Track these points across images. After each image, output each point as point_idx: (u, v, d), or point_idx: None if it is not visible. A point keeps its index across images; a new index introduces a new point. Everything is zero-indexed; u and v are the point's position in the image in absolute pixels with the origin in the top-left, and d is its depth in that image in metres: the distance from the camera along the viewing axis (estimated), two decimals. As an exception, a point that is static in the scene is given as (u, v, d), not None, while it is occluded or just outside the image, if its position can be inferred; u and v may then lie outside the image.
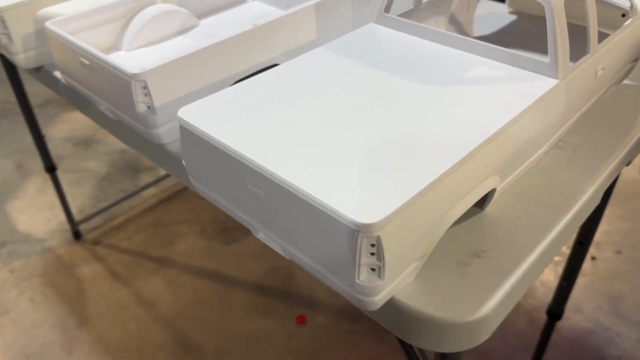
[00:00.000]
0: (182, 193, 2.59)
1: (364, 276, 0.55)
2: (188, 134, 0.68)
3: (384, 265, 0.54)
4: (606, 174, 0.80)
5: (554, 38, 0.72)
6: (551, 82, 0.73)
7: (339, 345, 1.90)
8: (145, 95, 0.82)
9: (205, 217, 2.46)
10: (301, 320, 1.99)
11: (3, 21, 1.06)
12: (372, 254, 0.53)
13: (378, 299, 0.58)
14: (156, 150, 0.90)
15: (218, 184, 0.69)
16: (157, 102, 0.82)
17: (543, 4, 0.73)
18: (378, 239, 0.52)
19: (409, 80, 0.75)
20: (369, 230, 0.51)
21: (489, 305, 0.60)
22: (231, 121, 0.67)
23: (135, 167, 2.76)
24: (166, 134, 0.87)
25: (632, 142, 0.87)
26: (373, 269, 0.55)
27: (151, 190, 2.60)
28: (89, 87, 0.95)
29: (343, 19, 1.06)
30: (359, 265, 0.54)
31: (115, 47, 1.09)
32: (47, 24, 0.96)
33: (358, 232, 0.51)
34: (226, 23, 1.18)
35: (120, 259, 2.25)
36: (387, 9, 0.90)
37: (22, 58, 1.11)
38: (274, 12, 1.22)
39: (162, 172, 2.72)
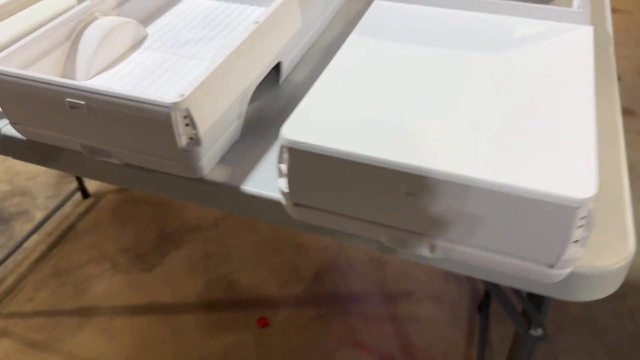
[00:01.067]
0: (72, 231, 2.28)
1: (570, 251, 0.55)
2: (304, 156, 0.60)
3: (589, 234, 0.54)
4: (620, 116, 0.89)
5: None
6: (589, 29, 0.78)
7: (311, 334, 1.88)
8: (187, 125, 0.69)
9: (110, 249, 2.20)
10: (264, 322, 1.92)
11: None
12: (580, 226, 0.53)
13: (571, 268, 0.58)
14: (189, 185, 0.77)
15: (348, 205, 0.62)
16: (202, 129, 0.70)
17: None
18: (590, 210, 0.52)
19: (469, 52, 0.75)
20: (587, 204, 0.51)
21: (631, 243, 0.65)
22: (351, 130, 0.61)
23: (0, 216, 2.33)
24: (208, 163, 0.75)
25: (615, 83, 0.97)
26: (575, 241, 0.55)
27: (34, 238, 2.23)
28: (73, 133, 0.77)
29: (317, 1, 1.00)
30: (569, 242, 0.54)
31: (67, 77, 0.89)
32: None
33: (576, 208, 0.51)
34: (179, 27, 1.03)
35: (31, 325, 1.91)
36: (392, -17, 0.87)
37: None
38: (220, 7, 1.10)
39: (39, 214, 2.35)
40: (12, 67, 0.77)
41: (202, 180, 0.76)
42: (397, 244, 0.63)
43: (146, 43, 0.99)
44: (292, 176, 0.63)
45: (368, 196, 0.60)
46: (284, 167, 0.64)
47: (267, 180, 0.76)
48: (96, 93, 0.70)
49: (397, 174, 0.57)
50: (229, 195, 0.76)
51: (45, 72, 0.87)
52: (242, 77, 0.78)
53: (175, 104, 0.67)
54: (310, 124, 0.62)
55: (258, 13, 1.07)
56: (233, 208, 0.77)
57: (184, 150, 0.71)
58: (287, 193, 0.65)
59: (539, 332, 0.84)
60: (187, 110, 0.68)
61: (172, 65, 0.92)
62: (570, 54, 0.73)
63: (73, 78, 0.90)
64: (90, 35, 0.90)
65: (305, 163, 0.61)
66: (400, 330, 1.87)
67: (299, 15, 0.93)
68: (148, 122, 0.69)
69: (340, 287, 2.04)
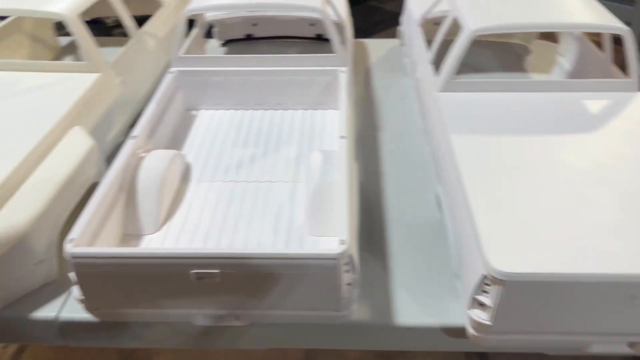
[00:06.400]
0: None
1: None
2: (524, 286, 0.57)
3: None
4: None
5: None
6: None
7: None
8: (347, 271, 0.63)
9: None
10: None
11: None
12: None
13: None
14: (341, 330, 0.71)
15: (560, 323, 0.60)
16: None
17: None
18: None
19: (567, 135, 0.78)
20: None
21: None
22: (555, 247, 0.59)
23: None
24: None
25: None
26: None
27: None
28: (187, 305, 0.65)
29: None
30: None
31: (131, 233, 0.76)
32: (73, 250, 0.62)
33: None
34: (212, 147, 0.94)
35: None
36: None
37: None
38: (234, 117, 1.02)
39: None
40: (101, 247, 0.64)
41: (354, 324, 0.69)
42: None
43: (194, 173, 0.88)
44: (502, 308, 0.59)
45: (598, 311, 0.59)
46: (486, 299, 0.60)
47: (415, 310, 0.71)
48: (242, 258, 0.60)
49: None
50: (381, 333, 0.69)
51: (110, 237, 0.72)
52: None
53: (341, 253, 0.60)
54: (515, 250, 0.59)
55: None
56: (386, 345, 0.71)
57: (346, 298, 0.63)
58: (487, 325, 0.61)
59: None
60: (350, 257, 0.62)
61: (243, 197, 0.83)
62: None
63: (139, 233, 0.76)
64: (148, 184, 0.77)
65: (523, 293, 0.57)
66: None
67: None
68: (310, 277, 0.61)
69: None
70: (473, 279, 0.61)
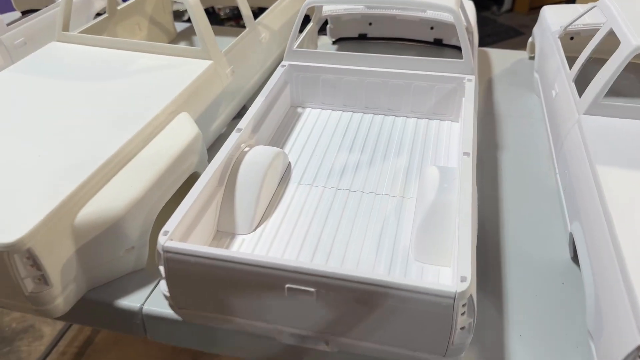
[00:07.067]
0: (90, 348, 1.97)
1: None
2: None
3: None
4: None
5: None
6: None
7: None
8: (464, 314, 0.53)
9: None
10: None
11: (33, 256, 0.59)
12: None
13: None
14: None
15: None
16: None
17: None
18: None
19: None
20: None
21: None
22: None
23: (1, 336, 2.01)
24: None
25: None
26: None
27: (47, 361, 1.91)
28: (275, 319, 0.59)
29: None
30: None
31: (223, 230, 0.72)
32: (166, 244, 0.58)
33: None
34: (314, 149, 0.88)
35: None
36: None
37: (60, 303, 0.65)
38: (341, 117, 0.95)
39: (48, 330, 2.04)
40: (196, 245, 0.59)
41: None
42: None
43: (294, 175, 0.82)
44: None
45: None
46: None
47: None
48: (345, 280, 0.53)
49: None
50: None
51: (204, 233, 0.68)
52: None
53: (461, 293, 0.51)
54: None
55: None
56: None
57: (456, 344, 0.54)
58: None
59: None
60: (471, 298, 0.52)
61: (344, 206, 0.75)
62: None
63: (233, 232, 0.72)
64: (248, 182, 0.73)
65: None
66: None
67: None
68: (419, 313, 0.53)
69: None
70: (622, 347, 0.49)
